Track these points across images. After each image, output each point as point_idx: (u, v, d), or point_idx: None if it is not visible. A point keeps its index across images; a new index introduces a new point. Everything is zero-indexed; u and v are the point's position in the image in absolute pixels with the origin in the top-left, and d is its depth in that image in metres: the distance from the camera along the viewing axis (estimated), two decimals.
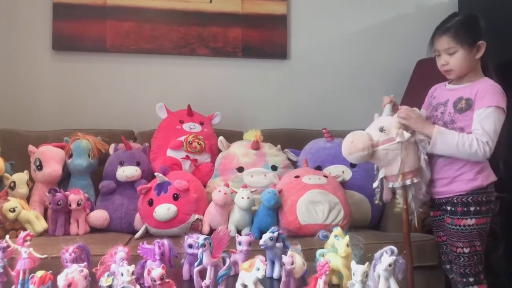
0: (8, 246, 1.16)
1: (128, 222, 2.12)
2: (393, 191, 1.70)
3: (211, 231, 1.99)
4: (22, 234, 1.20)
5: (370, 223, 2.24)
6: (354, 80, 2.89)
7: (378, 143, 1.58)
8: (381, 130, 1.60)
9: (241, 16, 2.77)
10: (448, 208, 1.65)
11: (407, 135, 1.58)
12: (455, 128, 1.62)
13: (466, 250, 1.62)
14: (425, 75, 2.68)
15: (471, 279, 1.64)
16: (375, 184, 1.72)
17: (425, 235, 1.98)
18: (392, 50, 2.94)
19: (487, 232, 1.65)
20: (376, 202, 1.75)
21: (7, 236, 1.19)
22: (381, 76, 2.91)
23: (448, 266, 1.77)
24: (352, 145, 1.58)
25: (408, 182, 1.61)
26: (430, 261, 1.90)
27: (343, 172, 2.24)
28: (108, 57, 2.67)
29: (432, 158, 1.66)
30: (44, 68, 2.62)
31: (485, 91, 1.59)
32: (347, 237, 1.32)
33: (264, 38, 2.80)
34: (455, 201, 1.63)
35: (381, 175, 1.68)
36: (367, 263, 1.21)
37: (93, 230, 2.10)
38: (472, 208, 1.61)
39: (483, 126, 1.55)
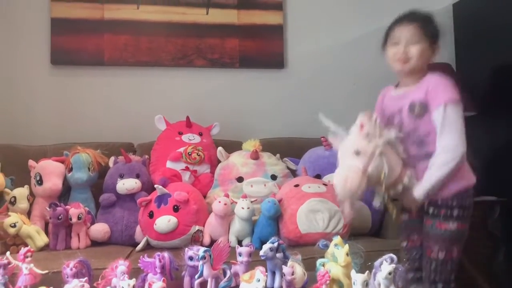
0: (9, 263, 1.16)
1: (129, 235, 2.12)
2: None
3: (212, 242, 1.99)
4: (22, 250, 1.21)
5: (370, 231, 2.23)
6: (352, 88, 2.90)
7: (365, 167, 1.52)
8: (358, 153, 1.53)
9: (238, 27, 2.80)
10: (430, 210, 1.59)
11: (379, 145, 1.53)
12: (420, 135, 1.58)
13: (441, 256, 1.55)
14: None
15: (439, 287, 1.56)
16: (377, 204, 1.65)
17: None
18: None
19: (464, 238, 1.59)
20: (395, 218, 1.70)
21: (8, 253, 1.20)
22: (379, 84, 2.90)
23: (412, 275, 1.66)
24: (349, 185, 1.51)
25: (406, 180, 1.56)
26: None
27: None
28: (106, 71, 2.69)
29: (414, 160, 1.61)
30: (43, 82, 2.63)
31: (435, 89, 1.55)
32: (346, 246, 1.33)
33: (261, 48, 2.82)
34: (439, 203, 1.57)
35: (380, 192, 1.61)
36: (367, 271, 1.22)
37: (94, 243, 2.09)
38: (455, 212, 1.56)
39: (447, 130, 1.51)
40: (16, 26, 2.62)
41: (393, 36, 1.65)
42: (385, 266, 1.20)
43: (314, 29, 2.90)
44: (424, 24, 1.62)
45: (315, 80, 2.88)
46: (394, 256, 1.21)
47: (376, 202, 1.64)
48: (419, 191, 1.54)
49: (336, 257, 1.33)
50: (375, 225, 2.25)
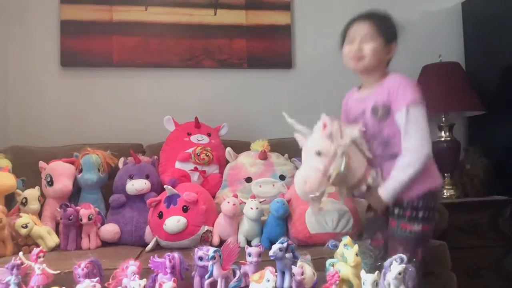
0: (22, 263, 1.18)
1: (139, 235, 2.13)
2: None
3: (221, 242, 1.99)
4: (35, 250, 1.22)
5: None
6: None
7: (326, 168, 1.52)
8: (319, 154, 1.53)
9: (246, 28, 2.80)
10: (396, 211, 1.59)
11: (341, 145, 1.53)
12: (385, 137, 1.58)
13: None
14: (431, 81, 2.69)
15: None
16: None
17: (435, 241, 1.97)
18: (397, 57, 2.92)
19: (429, 239, 1.59)
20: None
21: (21, 253, 1.21)
22: None
23: None
24: (308, 186, 1.52)
25: (370, 180, 1.56)
26: (441, 267, 1.89)
27: None
28: (115, 72, 2.71)
29: (380, 160, 1.61)
30: (53, 84, 2.66)
31: (397, 91, 1.54)
32: (356, 246, 1.33)
33: (268, 49, 2.83)
34: (405, 204, 1.56)
35: (344, 192, 1.62)
36: (376, 272, 1.22)
37: (104, 243, 2.10)
38: (420, 214, 1.55)
39: (411, 132, 1.51)
40: (27, 28, 2.65)
41: (348, 34, 1.64)
42: (395, 266, 1.20)
43: (322, 29, 2.90)
44: (380, 22, 1.61)
45: (323, 80, 2.88)
46: (404, 256, 1.21)
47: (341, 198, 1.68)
48: (386, 192, 1.54)
49: (346, 257, 1.33)
50: None
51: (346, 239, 1.41)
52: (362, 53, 1.58)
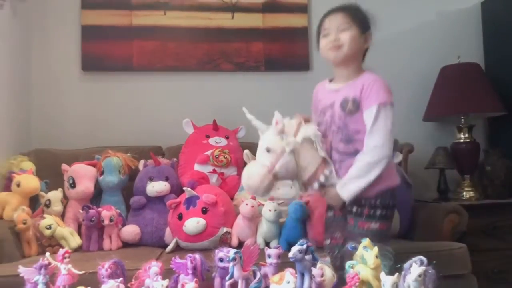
0: (49, 263, 1.21)
1: (159, 236, 2.17)
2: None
3: (240, 243, 2.01)
4: (61, 251, 1.26)
5: (399, 232, 2.22)
6: None
7: (272, 164, 1.52)
8: (268, 151, 1.54)
9: (263, 31, 2.82)
10: (354, 209, 1.58)
11: (290, 142, 1.53)
12: (350, 131, 1.56)
13: None
14: (449, 82, 2.68)
15: None
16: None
17: (454, 244, 1.96)
18: (415, 58, 2.93)
19: (387, 237, 1.57)
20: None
21: (47, 254, 1.24)
22: (405, 85, 2.90)
23: None
24: (251, 181, 1.53)
25: (322, 178, 1.55)
26: (461, 270, 1.88)
27: None
28: (135, 76, 2.75)
29: (341, 156, 1.59)
30: (74, 88, 2.71)
31: (370, 88, 1.54)
32: (375, 248, 1.32)
33: (286, 51, 2.84)
34: (363, 202, 1.56)
35: (296, 188, 1.64)
36: (396, 274, 1.22)
37: (125, 245, 2.14)
38: (378, 212, 1.55)
39: (376, 131, 1.51)
40: (49, 34, 2.71)
41: (323, 28, 1.64)
42: (415, 268, 1.19)
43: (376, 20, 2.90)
44: (353, 11, 1.62)
45: None
46: (424, 259, 1.21)
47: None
48: (346, 192, 1.53)
49: (365, 259, 1.33)
50: (404, 227, 2.24)
51: (366, 241, 1.41)
52: (340, 42, 1.59)
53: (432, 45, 2.92)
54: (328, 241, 1.65)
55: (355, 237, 1.50)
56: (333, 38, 1.59)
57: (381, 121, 1.51)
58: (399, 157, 2.44)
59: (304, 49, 2.85)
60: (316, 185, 1.55)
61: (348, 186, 1.53)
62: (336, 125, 1.59)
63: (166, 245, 2.09)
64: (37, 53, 2.69)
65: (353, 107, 1.55)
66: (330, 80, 1.70)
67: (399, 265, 1.27)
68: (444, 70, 2.73)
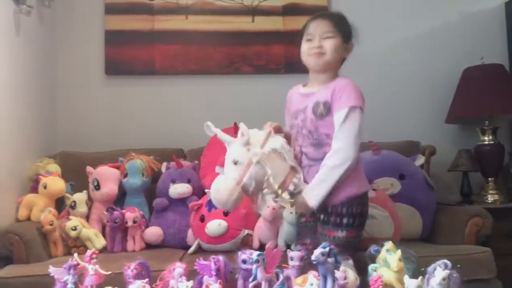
0: (78, 264, 1.24)
1: (181, 238, 2.19)
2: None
3: (261, 245, 2.02)
4: (88, 252, 1.29)
5: (421, 236, 2.20)
6: (399, 91, 2.87)
7: (240, 177, 1.52)
8: (235, 163, 1.53)
9: (283, 34, 2.83)
10: (321, 216, 1.58)
11: (256, 153, 1.52)
12: (320, 135, 1.57)
13: None
14: (472, 83, 2.64)
15: None
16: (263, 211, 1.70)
17: (479, 247, 1.94)
18: (437, 60, 2.90)
19: (355, 246, 1.56)
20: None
21: (76, 254, 1.28)
22: (427, 87, 2.88)
23: None
24: (219, 195, 1.53)
25: (291, 187, 1.54)
26: (486, 274, 1.85)
27: (391, 184, 2.22)
28: (157, 80, 2.79)
29: (308, 163, 1.60)
30: (98, 92, 2.76)
31: (341, 92, 1.55)
32: (399, 252, 1.32)
33: None
34: (329, 210, 1.55)
35: (266, 199, 1.60)
36: (420, 277, 1.22)
37: (148, 246, 2.18)
38: (344, 220, 1.54)
39: (342, 134, 1.51)
40: (73, 39, 2.77)
41: (307, 32, 1.65)
42: (439, 271, 1.19)
43: (359, 33, 2.88)
44: (338, 21, 1.64)
45: (361, 84, 2.84)
46: (449, 262, 1.21)
47: (262, 208, 1.66)
48: (312, 198, 1.52)
49: (388, 262, 1.33)
50: (426, 230, 2.22)
51: (389, 244, 1.41)
52: (323, 49, 1.60)
53: (455, 46, 2.89)
54: (298, 247, 1.64)
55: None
56: (317, 44, 1.61)
57: (348, 124, 1.52)
58: (421, 160, 2.42)
59: None
60: (286, 194, 1.55)
61: (313, 192, 1.53)
62: (307, 128, 1.60)
63: (188, 247, 2.12)
64: (62, 58, 2.75)
65: (324, 111, 1.57)
66: (304, 85, 1.72)
67: (423, 269, 1.27)
68: (467, 72, 2.70)
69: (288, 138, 1.67)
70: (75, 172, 2.35)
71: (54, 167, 2.29)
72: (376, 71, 2.88)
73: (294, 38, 2.79)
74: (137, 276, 1.31)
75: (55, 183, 2.15)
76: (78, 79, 2.76)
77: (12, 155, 2.13)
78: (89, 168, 2.33)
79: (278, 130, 1.65)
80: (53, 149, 2.54)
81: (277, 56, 2.83)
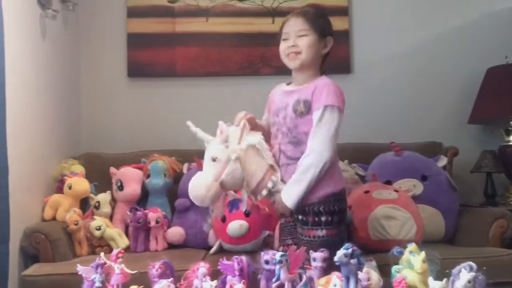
0: (105, 263, 1.27)
1: (203, 238, 2.21)
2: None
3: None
4: (114, 251, 1.31)
5: (444, 238, 2.18)
6: (422, 91, 2.85)
7: (218, 174, 1.52)
8: (214, 160, 1.53)
9: None
10: (299, 217, 1.57)
11: (235, 150, 1.52)
12: (299, 133, 1.56)
13: None
14: (496, 83, 2.60)
15: None
16: (243, 208, 1.69)
17: (504, 250, 1.91)
18: (460, 59, 2.87)
19: (337, 243, 1.50)
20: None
21: (102, 254, 1.30)
22: (450, 87, 2.85)
23: None
24: (196, 191, 1.53)
25: (270, 185, 1.54)
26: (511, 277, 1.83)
27: (414, 186, 2.20)
28: (178, 82, 2.82)
29: (286, 162, 1.59)
30: (121, 94, 2.81)
31: (321, 91, 1.54)
32: (423, 253, 1.31)
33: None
34: (306, 210, 1.54)
35: (244, 196, 1.60)
36: (445, 279, 1.21)
37: (170, 246, 2.21)
38: (323, 219, 1.53)
39: (319, 133, 1.51)
40: (97, 42, 2.82)
41: (283, 32, 1.65)
42: (464, 274, 1.18)
43: (381, 33, 2.88)
44: (312, 17, 1.61)
45: (383, 84, 2.85)
46: (474, 264, 1.19)
47: (242, 207, 1.66)
48: (289, 199, 1.52)
49: (412, 264, 1.32)
50: (449, 232, 2.19)
51: (412, 246, 1.40)
52: (298, 48, 1.60)
53: (478, 46, 2.85)
54: (281, 249, 1.62)
55: (304, 244, 1.51)
56: (291, 43, 1.61)
57: (324, 123, 1.52)
58: (443, 161, 2.39)
59: (345, 51, 2.84)
60: (264, 192, 1.55)
61: (289, 192, 1.53)
62: (287, 126, 1.60)
63: (209, 247, 2.13)
64: (86, 61, 2.81)
65: (304, 109, 1.56)
66: (288, 84, 1.72)
67: (447, 271, 1.26)
68: (490, 71, 2.66)
69: (263, 131, 1.69)
70: (99, 173, 2.40)
71: (79, 168, 2.34)
72: (399, 71, 2.86)
73: None
74: (162, 276, 1.33)
75: (80, 184, 2.19)
76: (101, 82, 2.81)
77: (38, 156, 2.18)
78: (112, 169, 2.37)
79: (252, 122, 1.66)
80: (77, 151, 2.59)
81: None
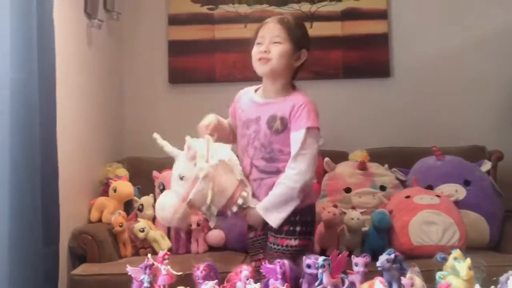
0: (153, 264, 1.31)
1: (242, 241, 2.22)
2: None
3: (322, 251, 2.04)
4: (161, 253, 1.35)
5: (488, 244, 2.13)
6: (463, 94, 2.79)
7: (186, 193, 1.47)
8: (181, 178, 1.49)
9: (341, 39, 2.83)
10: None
11: (203, 169, 1.46)
12: (273, 150, 1.52)
13: None
14: None
15: None
16: (211, 224, 1.61)
17: None
18: (503, 61, 2.79)
19: (304, 254, 1.44)
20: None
21: (149, 255, 1.35)
22: (493, 89, 2.78)
23: None
24: (163, 213, 1.49)
25: (240, 201, 1.50)
26: None
27: (456, 191, 2.17)
28: (218, 87, 2.86)
29: (259, 176, 1.55)
30: (163, 100, 2.88)
31: (301, 110, 1.49)
32: (468, 260, 1.29)
33: (365, 58, 2.83)
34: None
35: (214, 211, 1.54)
36: (492, 287, 1.19)
37: (211, 248, 2.25)
38: (298, 228, 1.50)
39: (303, 155, 1.47)
40: (138, 49, 2.91)
41: (259, 35, 1.58)
42: None
43: (421, 36, 2.84)
44: (291, 27, 1.55)
45: (422, 88, 2.81)
46: None
47: (211, 223, 1.59)
48: (272, 219, 1.49)
49: (457, 271, 1.30)
50: (494, 238, 2.14)
51: (456, 252, 1.38)
52: (269, 55, 1.53)
53: None
54: (253, 264, 1.59)
55: (275, 254, 1.50)
56: (264, 49, 1.54)
57: (308, 146, 1.49)
58: (487, 165, 2.34)
59: (384, 55, 2.82)
60: (234, 208, 1.52)
61: (275, 214, 1.50)
62: (260, 141, 1.55)
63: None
64: (129, 68, 2.90)
65: (281, 126, 1.52)
66: (256, 90, 1.65)
67: (494, 278, 1.24)
68: None
69: (231, 129, 1.70)
70: (142, 176, 2.47)
71: (123, 172, 2.41)
72: (441, 74, 2.81)
73: (353, 42, 2.83)
74: (206, 277, 1.36)
75: (124, 187, 2.27)
76: (143, 88, 2.89)
77: (84, 161, 2.27)
78: (155, 173, 2.43)
79: (218, 128, 1.64)
80: (121, 155, 2.68)
81: (335, 61, 2.84)
